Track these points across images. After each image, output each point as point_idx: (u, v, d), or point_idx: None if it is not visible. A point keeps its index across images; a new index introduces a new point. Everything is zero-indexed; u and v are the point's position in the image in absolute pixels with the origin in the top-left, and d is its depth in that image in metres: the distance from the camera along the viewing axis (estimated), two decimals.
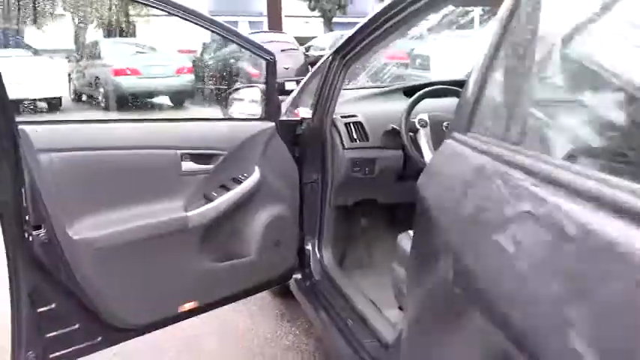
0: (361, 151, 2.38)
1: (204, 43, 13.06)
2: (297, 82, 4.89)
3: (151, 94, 11.37)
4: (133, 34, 18.12)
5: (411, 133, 2.36)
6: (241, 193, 2.04)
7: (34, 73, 9.75)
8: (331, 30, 22.82)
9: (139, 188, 1.84)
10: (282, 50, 10.31)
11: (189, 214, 1.91)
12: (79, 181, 1.70)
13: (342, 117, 2.42)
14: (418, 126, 2.36)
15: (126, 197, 1.81)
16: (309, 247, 2.47)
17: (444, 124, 2.33)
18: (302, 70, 10.71)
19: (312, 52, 14.10)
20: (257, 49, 2.13)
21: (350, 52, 2.21)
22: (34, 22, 13.65)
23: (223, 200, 1.99)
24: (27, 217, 1.59)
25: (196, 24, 1.92)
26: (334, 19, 24.59)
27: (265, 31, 15.13)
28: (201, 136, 2.00)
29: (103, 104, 10.96)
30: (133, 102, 10.45)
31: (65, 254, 1.65)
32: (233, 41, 2.10)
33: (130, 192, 1.82)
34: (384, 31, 1.96)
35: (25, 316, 1.65)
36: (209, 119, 2.17)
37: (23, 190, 1.58)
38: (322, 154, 2.38)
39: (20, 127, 1.59)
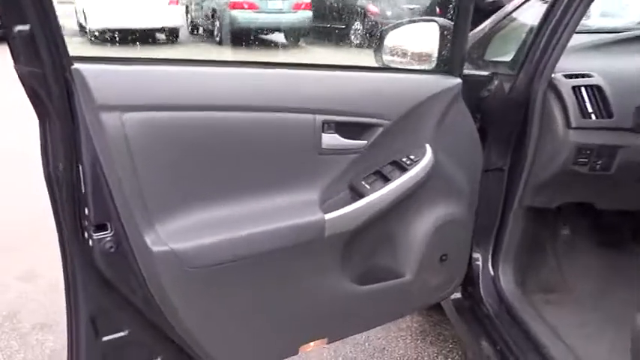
0: (597, 134, 1.58)
1: None
2: None
3: (266, 30, 10.88)
4: None
5: None
6: (406, 187, 1.38)
7: (153, 1, 9.60)
8: None
9: (254, 173, 1.25)
10: None
11: (330, 216, 1.29)
12: (163, 158, 1.12)
13: (566, 76, 1.62)
14: None
15: (234, 187, 1.23)
16: (477, 257, 1.78)
17: None
18: None
19: None
20: None
21: None
22: None
23: (379, 196, 1.35)
24: (85, 211, 1.07)
25: None
26: None
27: None
28: (352, 96, 1.35)
29: (217, 38, 10.66)
30: (247, 38, 10.02)
31: (142, 271, 1.12)
32: None
33: (241, 178, 1.23)
34: None
35: (85, 346, 1.14)
36: (360, 68, 1.46)
37: (80, 169, 1.04)
38: (521, 132, 1.63)
39: (75, 65, 1.01)
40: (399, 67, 1.69)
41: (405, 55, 1.70)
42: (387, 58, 1.73)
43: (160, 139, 1.10)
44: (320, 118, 1.28)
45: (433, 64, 1.55)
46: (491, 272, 1.76)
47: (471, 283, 1.78)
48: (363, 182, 1.37)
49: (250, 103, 1.20)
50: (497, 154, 1.69)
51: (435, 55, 1.54)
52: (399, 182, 1.37)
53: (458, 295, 1.80)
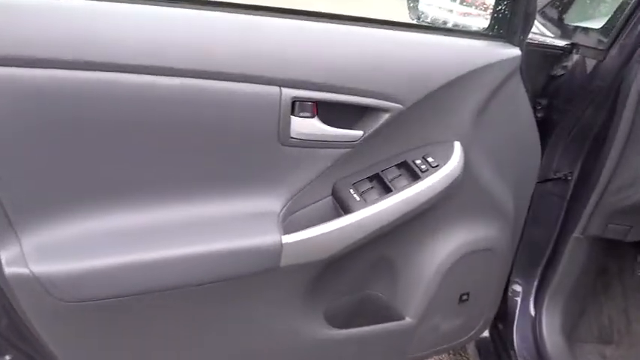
0: None
1: None
2: None
3: None
4: None
5: None
6: (416, 202, 0.96)
7: None
8: None
9: (179, 168, 0.87)
10: None
11: (290, 238, 0.90)
12: (33, 137, 0.77)
13: None
14: None
15: (146, 186, 0.86)
16: (516, 290, 1.35)
17: None
18: None
19: None
20: None
21: None
22: None
23: (374, 213, 0.94)
24: None
25: None
26: None
27: None
28: (347, 62, 0.91)
29: None
30: None
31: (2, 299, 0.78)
32: None
33: (156, 175, 0.86)
34: None
35: None
36: (366, 21, 0.98)
37: None
38: (602, 130, 1.16)
39: None
40: (433, 25, 1.23)
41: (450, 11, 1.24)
42: (425, 10, 1.27)
43: (25, 109, 0.74)
44: (289, 92, 0.87)
45: (485, 26, 1.09)
46: (532, 312, 1.33)
47: (503, 320, 1.37)
48: (352, 190, 0.97)
49: (177, 63, 0.81)
50: (562, 158, 1.23)
51: (490, 11, 1.08)
52: (407, 195, 0.95)
53: (485, 333, 1.40)
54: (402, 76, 0.95)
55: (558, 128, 1.22)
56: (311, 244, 0.92)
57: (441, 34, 1.02)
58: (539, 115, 1.22)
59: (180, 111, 0.83)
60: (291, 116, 0.89)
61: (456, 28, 1.14)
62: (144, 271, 0.82)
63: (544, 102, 1.22)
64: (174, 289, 0.86)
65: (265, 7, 0.90)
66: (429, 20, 1.21)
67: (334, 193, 0.98)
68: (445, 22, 1.18)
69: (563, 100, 1.21)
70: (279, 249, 0.89)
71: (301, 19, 0.90)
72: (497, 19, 1.04)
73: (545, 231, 1.30)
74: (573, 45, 1.22)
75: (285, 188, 0.94)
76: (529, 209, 1.22)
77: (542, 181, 1.24)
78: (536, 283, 1.34)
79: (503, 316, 1.36)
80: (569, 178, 1.24)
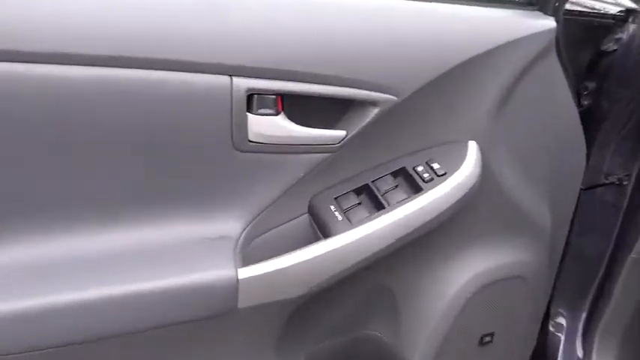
0: None
1: None
2: None
3: None
4: None
5: None
6: (418, 221, 0.75)
7: None
8: None
9: (105, 179, 0.69)
10: None
11: (249, 272, 0.70)
12: None
13: None
14: None
15: (63, 202, 0.68)
16: (559, 324, 1.12)
17: None
18: None
19: None
20: None
21: None
22: None
23: (362, 236, 0.73)
24: None
25: None
26: None
27: None
28: (323, 41, 0.71)
29: None
30: None
31: None
32: None
33: (78, 187, 0.68)
34: None
35: None
36: None
37: None
38: None
39: None
40: None
41: None
42: None
43: None
44: (243, 83, 0.68)
45: None
46: (579, 353, 1.09)
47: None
48: (333, 207, 0.76)
49: (94, 49, 0.62)
50: (615, 157, 1.00)
51: None
52: (405, 212, 0.74)
53: None
54: (396, 57, 0.75)
55: (610, 119, 0.98)
56: (279, 279, 0.72)
57: (450, 2, 0.80)
58: (584, 102, 0.99)
59: (101, 110, 0.65)
60: (248, 114, 0.70)
61: None
62: (62, 318, 0.65)
63: (591, 86, 0.98)
64: (101, 339, 0.69)
65: None
66: None
67: (311, 212, 0.78)
68: None
69: (616, 83, 0.97)
70: (234, 286, 0.69)
71: None
72: None
73: (595, 251, 1.06)
74: (629, 12, 0.98)
75: (244, 206, 0.75)
76: (572, 223, 0.99)
77: (590, 187, 1.01)
78: (584, 317, 1.10)
79: (541, 358, 1.12)
80: (625, 182, 1.00)
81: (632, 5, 1.03)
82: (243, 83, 0.68)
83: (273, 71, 0.69)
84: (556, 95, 0.85)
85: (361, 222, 0.74)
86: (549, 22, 0.81)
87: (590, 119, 0.94)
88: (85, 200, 0.70)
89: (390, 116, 0.75)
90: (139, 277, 0.68)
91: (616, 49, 0.98)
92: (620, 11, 1.01)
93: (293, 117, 0.73)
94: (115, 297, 0.67)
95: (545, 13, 0.82)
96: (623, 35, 0.98)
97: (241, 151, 0.72)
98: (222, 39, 0.68)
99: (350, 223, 0.74)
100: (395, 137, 0.78)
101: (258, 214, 0.76)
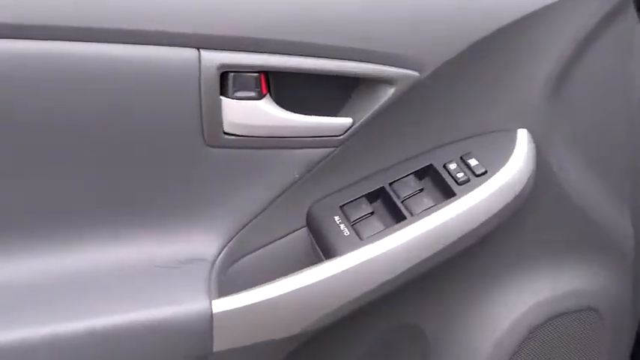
0: None
1: None
2: None
3: None
4: None
5: None
6: (457, 234, 0.59)
7: None
8: None
9: (43, 185, 0.56)
10: None
11: (229, 304, 0.55)
12: None
13: None
14: None
15: None
16: None
17: None
18: None
19: None
20: None
21: None
22: None
23: (380, 254, 0.57)
24: None
25: None
26: None
27: None
28: (321, 1, 0.57)
29: None
30: None
31: None
32: None
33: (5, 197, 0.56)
34: None
35: None
36: None
37: None
38: None
39: None
40: None
41: None
42: None
43: None
44: (214, 57, 0.55)
45: None
46: None
47: None
48: (338, 219, 0.61)
49: (28, 18, 0.51)
50: None
51: None
52: (434, 224, 0.58)
53: None
54: (418, 19, 0.60)
55: None
56: (267, 314, 0.57)
57: None
58: None
59: (36, 93, 0.53)
60: (222, 98, 0.57)
61: None
62: None
63: None
64: None
65: None
66: None
67: (309, 224, 0.63)
68: None
69: None
70: (207, 323, 0.55)
71: None
72: None
73: None
74: None
75: (221, 219, 0.61)
76: None
77: None
78: None
79: None
80: None
81: None
82: (214, 57, 0.55)
83: (253, 41, 0.55)
84: (636, 67, 0.68)
85: (375, 238, 0.59)
86: None
87: None
88: (23, 216, 0.57)
89: (412, 98, 0.60)
90: (89, 311, 0.55)
91: None
92: None
93: (282, 101, 0.59)
94: (64, 335, 0.53)
95: None
96: None
97: (215, 147, 0.58)
98: (186, 2, 0.54)
99: (360, 240, 0.59)
100: (418, 126, 0.63)
101: (240, 230, 0.62)
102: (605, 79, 0.67)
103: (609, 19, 0.64)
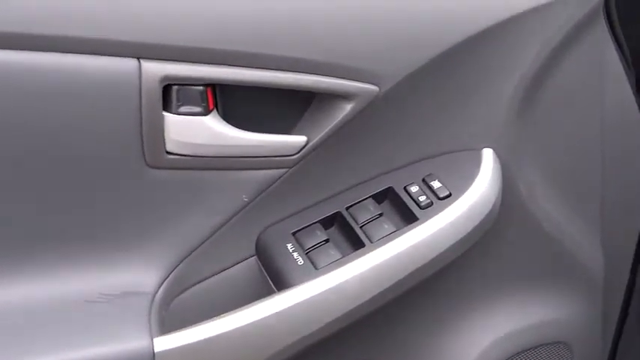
0: None
1: None
2: None
3: None
4: None
5: None
6: (418, 262, 0.59)
7: None
8: None
9: None
10: None
11: (180, 341, 0.53)
12: None
13: None
14: None
15: None
16: None
17: None
18: None
19: None
20: None
21: None
22: None
23: (341, 284, 0.56)
24: None
25: None
26: None
27: None
28: (273, 8, 0.56)
29: None
30: None
31: None
32: None
33: None
34: None
35: None
36: None
37: None
38: None
39: None
40: None
41: None
42: None
43: None
44: (156, 69, 0.53)
45: None
46: None
47: None
48: (291, 247, 0.59)
49: None
50: None
51: None
52: (395, 252, 0.57)
53: None
54: (378, 30, 0.60)
55: None
56: (213, 351, 0.55)
57: None
58: None
59: None
60: (165, 113, 0.55)
61: None
62: None
63: None
64: None
65: None
66: None
67: (259, 253, 0.62)
68: None
69: None
70: None
71: None
72: None
73: None
74: None
75: (163, 247, 0.59)
76: (635, 267, 0.83)
77: None
78: None
79: None
80: None
81: None
82: (156, 69, 0.53)
83: (200, 50, 0.54)
84: (606, 83, 0.70)
85: (331, 267, 0.57)
86: None
87: None
88: None
89: (371, 114, 0.60)
90: (11, 353, 0.52)
91: None
92: None
93: (230, 117, 0.57)
94: None
95: None
96: None
97: (156, 168, 0.56)
98: (125, 4, 0.53)
99: (315, 269, 0.58)
100: (378, 145, 0.62)
101: (184, 259, 0.60)
102: (574, 97, 0.69)
103: (575, 33, 0.65)
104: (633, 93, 0.73)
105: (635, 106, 0.74)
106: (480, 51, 0.61)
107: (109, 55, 0.52)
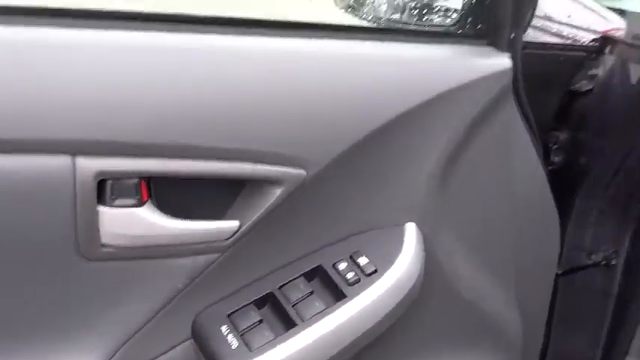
0: None
1: None
2: None
3: None
4: None
5: None
6: (347, 339, 0.61)
7: None
8: None
9: None
10: None
11: None
12: None
13: None
14: None
15: None
16: None
17: None
18: None
19: None
20: None
21: None
22: None
23: None
24: None
25: None
26: None
27: None
28: (204, 100, 0.57)
29: None
30: None
31: None
32: None
33: None
34: None
35: None
36: (253, 24, 0.64)
37: None
38: None
39: None
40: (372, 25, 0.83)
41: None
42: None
43: None
44: (90, 165, 0.54)
45: (453, 21, 0.75)
46: None
47: None
48: (225, 329, 0.61)
49: None
50: (600, 230, 0.90)
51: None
52: (325, 330, 0.60)
53: None
54: (303, 116, 0.62)
55: (589, 180, 0.89)
56: None
57: (377, 39, 0.69)
58: (554, 159, 0.88)
59: None
60: (100, 207, 0.56)
61: (401, 26, 0.80)
62: None
63: (562, 137, 0.89)
64: None
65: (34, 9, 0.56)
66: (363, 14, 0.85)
67: (195, 336, 0.63)
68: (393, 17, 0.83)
69: (595, 133, 0.88)
70: None
71: (112, 26, 0.56)
72: (470, 7, 0.72)
73: (583, 354, 0.94)
74: (605, 40, 0.88)
75: (99, 336, 0.60)
76: (550, 321, 0.88)
77: (569, 271, 0.90)
78: None
79: None
80: (613, 262, 0.90)
81: (613, 24, 0.94)
82: (90, 165, 0.54)
83: (131, 146, 0.55)
84: (516, 154, 0.74)
85: (265, 348, 0.59)
86: (503, 61, 0.70)
87: (563, 181, 0.83)
88: None
89: (299, 197, 0.62)
90: None
91: (591, 89, 0.88)
92: (594, 40, 0.91)
93: (164, 207, 0.59)
94: None
95: (498, 48, 0.70)
96: (599, 70, 0.89)
97: (92, 260, 0.57)
98: (57, 102, 0.53)
99: (249, 351, 0.59)
100: (307, 225, 0.65)
101: (122, 346, 0.61)
102: (488, 169, 0.73)
103: (488, 111, 0.69)
104: (539, 157, 0.77)
105: (543, 174, 0.79)
106: (399, 134, 0.65)
107: (42, 154, 0.53)
